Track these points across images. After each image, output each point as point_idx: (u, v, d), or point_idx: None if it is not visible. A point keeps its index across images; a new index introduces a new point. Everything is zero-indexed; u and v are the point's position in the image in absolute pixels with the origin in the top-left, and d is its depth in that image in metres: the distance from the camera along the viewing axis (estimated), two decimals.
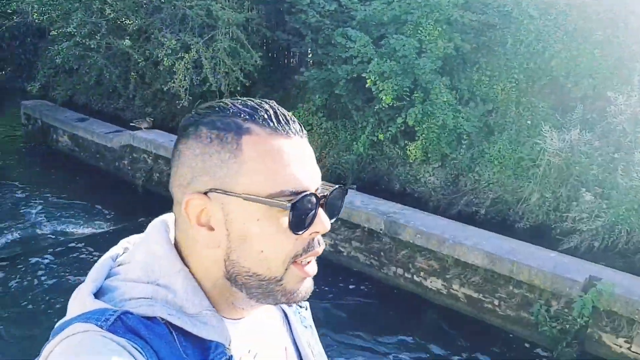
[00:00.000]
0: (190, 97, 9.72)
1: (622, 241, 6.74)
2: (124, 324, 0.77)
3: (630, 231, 6.75)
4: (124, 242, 1.00)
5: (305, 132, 0.91)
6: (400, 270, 6.60)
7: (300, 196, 0.84)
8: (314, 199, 0.85)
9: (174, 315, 0.82)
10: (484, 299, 6.00)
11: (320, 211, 0.87)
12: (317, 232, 0.87)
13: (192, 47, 9.26)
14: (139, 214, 8.55)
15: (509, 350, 5.65)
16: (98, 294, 0.85)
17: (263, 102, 0.88)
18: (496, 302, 5.93)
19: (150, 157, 9.39)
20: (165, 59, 9.36)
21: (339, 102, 9.08)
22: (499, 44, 8.37)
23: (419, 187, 8.34)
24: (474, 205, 7.91)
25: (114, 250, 0.98)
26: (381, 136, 8.42)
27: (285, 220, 0.83)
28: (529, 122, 8.02)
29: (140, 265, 0.87)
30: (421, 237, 6.29)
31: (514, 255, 5.79)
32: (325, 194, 0.89)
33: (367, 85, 8.25)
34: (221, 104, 0.88)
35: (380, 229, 6.59)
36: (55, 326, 0.81)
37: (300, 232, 0.85)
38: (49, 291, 6.51)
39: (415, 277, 6.49)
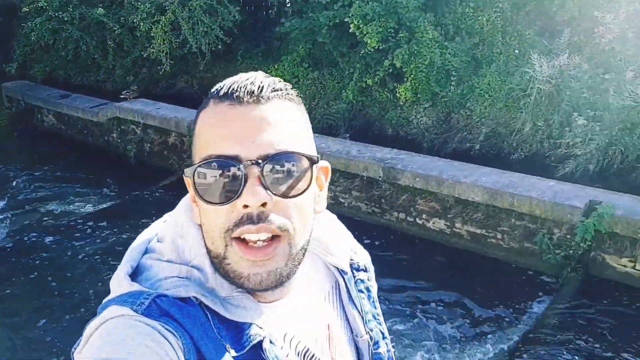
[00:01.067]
0: (172, 61, 9.53)
1: (617, 161, 6.81)
2: (158, 307, 0.78)
3: (624, 151, 6.80)
4: (166, 216, 1.00)
5: (279, 98, 0.84)
6: (402, 215, 6.67)
7: (200, 162, 0.79)
8: (233, 167, 0.79)
9: (207, 297, 0.82)
10: (487, 234, 6.10)
11: (252, 182, 0.78)
12: (247, 206, 0.79)
13: (167, 8, 8.99)
14: (134, 187, 8.55)
15: (516, 281, 5.78)
16: (135, 273, 0.86)
17: (244, 74, 0.87)
18: (499, 236, 6.03)
19: (139, 128, 9.28)
20: (142, 23, 9.12)
21: (324, 50, 8.92)
22: None
23: (412, 129, 8.31)
24: (467, 141, 7.91)
25: (155, 225, 0.98)
26: (369, 81, 8.32)
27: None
28: (516, 51, 7.93)
29: (172, 247, 0.88)
30: (420, 179, 6.32)
31: (514, 188, 5.84)
32: (261, 161, 0.79)
33: (350, 30, 8.09)
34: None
35: (379, 176, 6.61)
36: (100, 305, 0.84)
37: (217, 203, 0.80)
38: (48, 269, 6.55)
39: (417, 220, 6.56)
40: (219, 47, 9.42)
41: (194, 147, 0.86)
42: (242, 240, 0.81)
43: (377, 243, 6.54)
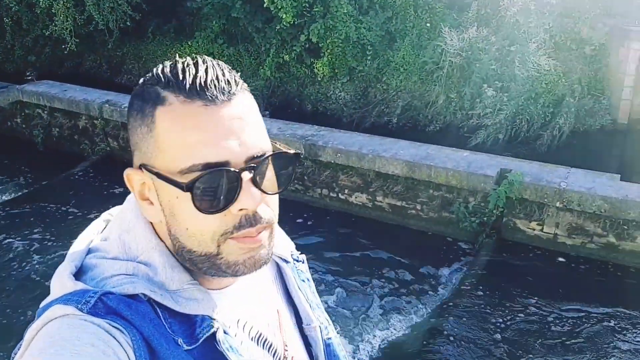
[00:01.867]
0: (77, 40, 9.01)
1: (524, 130, 7.20)
2: (105, 305, 0.76)
3: (530, 120, 7.20)
4: (105, 215, 0.96)
5: (240, 91, 0.81)
6: (325, 191, 6.75)
7: (201, 173, 0.76)
8: (229, 174, 0.77)
9: (156, 292, 0.81)
10: (407, 205, 6.30)
11: (247, 185, 0.78)
12: (245, 209, 0.80)
13: None
14: (43, 175, 8.10)
15: (435, 249, 6.04)
16: (79, 273, 0.83)
17: (195, 64, 0.80)
18: (419, 207, 6.25)
19: (46, 112, 8.76)
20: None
21: (238, 25, 8.75)
22: None
23: (331, 104, 8.38)
24: (385, 115, 8.08)
25: (94, 225, 0.95)
26: (287, 57, 8.26)
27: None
28: (428, 24, 8.11)
29: (118, 243, 0.85)
30: (341, 155, 6.41)
31: (431, 160, 6.05)
32: (254, 165, 0.79)
33: (265, 5, 7.95)
34: (159, 67, 0.82)
35: (301, 154, 6.63)
36: (39, 307, 0.80)
37: (215, 211, 0.78)
38: None
39: (340, 195, 6.67)
40: (128, 23, 9.00)
41: (156, 148, 0.79)
42: (232, 237, 0.81)
43: (301, 219, 6.60)
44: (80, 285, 0.79)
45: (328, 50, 7.97)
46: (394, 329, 5.00)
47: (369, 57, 8.00)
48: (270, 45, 8.41)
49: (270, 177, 0.83)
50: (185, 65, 0.80)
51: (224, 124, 0.78)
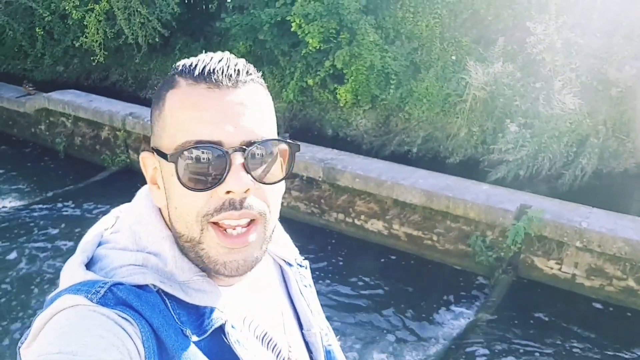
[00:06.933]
0: (106, 52, 9.18)
1: (546, 168, 7.13)
2: (114, 296, 0.76)
3: (552, 158, 7.13)
4: (115, 211, 0.97)
5: (251, 82, 0.83)
6: (341, 216, 6.71)
7: (185, 148, 0.77)
8: (218, 153, 0.77)
9: (166, 283, 0.80)
10: (423, 235, 6.23)
11: (236, 168, 0.77)
12: (231, 192, 0.78)
13: None
14: (63, 182, 8.17)
15: (450, 282, 5.94)
16: (89, 264, 0.83)
17: (211, 54, 0.83)
18: (435, 238, 6.17)
19: (70, 120, 8.87)
20: (74, 11, 8.73)
21: (264, 48, 8.85)
22: None
23: (351, 130, 8.38)
24: (405, 144, 8.06)
25: (104, 220, 0.95)
26: (310, 81, 8.32)
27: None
28: (453, 57, 8.15)
29: (129, 233, 0.86)
30: (359, 180, 6.38)
31: (450, 190, 6.00)
32: (246, 148, 0.79)
33: (292, 29, 8.06)
34: (183, 60, 0.85)
35: (319, 177, 6.62)
36: (48, 298, 0.79)
37: (200, 189, 0.78)
38: None
39: (356, 221, 6.62)
40: (156, 39, 9.16)
41: (162, 128, 0.82)
42: (219, 226, 0.80)
43: (315, 243, 6.55)
44: (90, 275, 0.79)
45: (352, 77, 8.02)
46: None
47: (392, 86, 8.02)
48: (294, 69, 8.48)
49: (271, 169, 0.83)
50: (203, 56, 0.83)
51: (223, 107, 0.79)
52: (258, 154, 0.80)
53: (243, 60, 0.85)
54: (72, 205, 7.41)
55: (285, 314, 1.01)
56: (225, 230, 0.80)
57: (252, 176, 0.79)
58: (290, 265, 1.07)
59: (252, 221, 0.81)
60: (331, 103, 8.51)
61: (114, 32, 8.95)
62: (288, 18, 8.05)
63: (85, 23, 8.81)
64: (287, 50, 8.63)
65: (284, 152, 0.88)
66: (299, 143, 0.88)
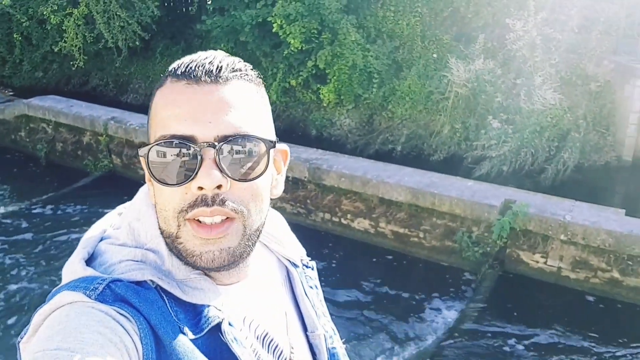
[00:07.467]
0: (86, 57, 9.10)
1: (528, 163, 7.21)
2: (112, 292, 0.76)
3: (534, 153, 7.21)
4: (119, 208, 0.96)
5: (237, 78, 0.81)
6: (327, 215, 6.71)
7: (155, 142, 0.77)
8: (187, 148, 0.76)
9: (164, 280, 0.80)
10: (410, 233, 6.25)
11: (208, 164, 0.76)
12: (201, 188, 0.77)
13: (80, 1, 8.56)
14: (46, 189, 8.06)
15: (438, 278, 5.97)
16: (91, 259, 0.83)
17: (205, 53, 0.83)
18: (422, 235, 6.20)
19: (50, 126, 8.76)
20: (52, 16, 8.64)
21: (246, 49, 8.82)
22: None
23: (335, 130, 8.40)
24: (390, 143, 8.10)
25: (109, 216, 0.95)
26: (293, 82, 8.32)
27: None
28: (434, 55, 8.20)
29: (128, 230, 0.86)
30: (345, 180, 6.38)
31: (435, 187, 6.03)
32: (217, 144, 0.77)
33: (273, 30, 8.05)
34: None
35: (305, 177, 6.62)
36: (51, 292, 0.79)
37: (171, 184, 0.78)
38: None
39: (342, 220, 6.63)
40: (137, 43, 9.09)
41: (150, 127, 0.83)
42: (195, 220, 0.79)
43: (302, 244, 6.52)
44: (89, 271, 0.79)
45: (334, 77, 8.03)
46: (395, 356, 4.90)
47: (375, 85, 8.05)
48: (277, 70, 8.48)
49: (252, 166, 0.81)
50: (196, 54, 0.83)
51: (201, 102, 0.78)
52: (233, 150, 0.78)
53: (235, 58, 0.84)
54: (56, 212, 7.32)
55: (289, 314, 1.00)
56: (200, 223, 0.79)
57: (225, 173, 0.78)
58: (295, 266, 1.06)
59: (227, 219, 0.80)
60: (314, 103, 8.51)
61: (93, 36, 8.87)
62: (269, 19, 8.04)
63: (64, 28, 8.73)
64: (269, 51, 8.62)
65: (280, 155, 0.87)
66: (275, 140, 0.85)
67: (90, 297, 0.74)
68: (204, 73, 0.79)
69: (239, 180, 0.79)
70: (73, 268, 0.80)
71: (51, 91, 9.59)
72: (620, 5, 7.87)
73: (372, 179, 6.23)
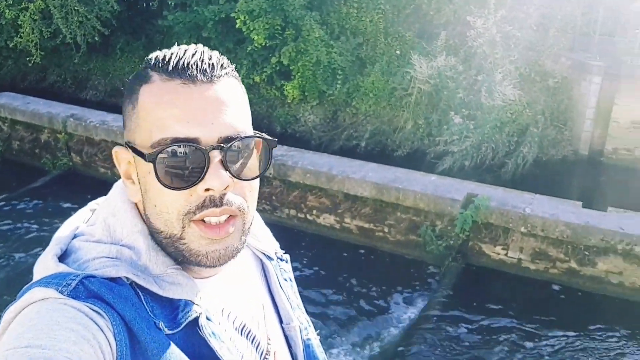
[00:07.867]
0: (42, 53, 8.85)
1: (489, 157, 7.36)
2: (86, 289, 0.74)
3: (495, 148, 7.37)
4: (92, 204, 0.95)
5: (226, 76, 0.81)
6: (293, 212, 6.71)
7: (162, 146, 0.76)
8: (196, 151, 0.76)
9: (139, 275, 0.79)
10: (375, 228, 6.31)
11: (215, 166, 0.77)
12: (211, 190, 0.77)
13: None
14: (2, 188, 7.82)
15: (402, 272, 6.04)
16: (63, 256, 0.82)
17: (186, 49, 0.81)
18: (386, 230, 6.26)
19: (6, 124, 8.50)
20: (7, 10, 8.38)
21: (209, 45, 8.58)
22: None
23: (300, 126, 8.40)
24: (354, 139, 8.15)
25: (81, 212, 0.93)
26: (257, 78, 8.28)
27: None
28: (397, 52, 8.28)
29: (103, 226, 0.84)
30: (310, 176, 6.40)
31: (399, 182, 6.09)
32: (224, 145, 0.77)
33: (237, 26, 7.99)
34: (156, 52, 0.83)
35: (270, 173, 6.60)
36: (22, 289, 0.77)
37: (179, 188, 0.77)
38: None
39: (308, 216, 6.64)
40: (96, 39, 8.89)
41: (137, 124, 0.80)
42: (201, 221, 0.79)
43: None
44: (62, 268, 0.77)
45: (298, 73, 8.03)
46: (359, 355, 4.94)
47: (339, 82, 8.08)
48: (240, 66, 8.41)
49: (248, 164, 0.82)
50: (176, 49, 0.81)
51: (199, 103, 0.78)
52: (236, 150, 0.79)
53: (216, 53, 0.83)
54: (12, 212, 7.11)
55: (265, 306, 1.00)
56: (206, 223, 0.79)
57: (230, 173, 0.78)
58: (270, 259, 1.06)
59: (230, 217, 0.81)
60: (279, 99, 8.50)
61: (50, 32, 8.63)
62: (232, 15, 7.98)
63: (19, 22, 8.47)
64: (232, 47, 8.56)
65: (259, 146, 0.87)
66: (275, 139, 0.87)
67: (62, 294, 0.73)
68: (199, 72, 0.78)
69: (244, 179, 0.81)
70: (45, 264, 0.79)
71: (6, 88, 9.30)
72: (576, 3, 8.10)
73: (337, 175, 6.26)
